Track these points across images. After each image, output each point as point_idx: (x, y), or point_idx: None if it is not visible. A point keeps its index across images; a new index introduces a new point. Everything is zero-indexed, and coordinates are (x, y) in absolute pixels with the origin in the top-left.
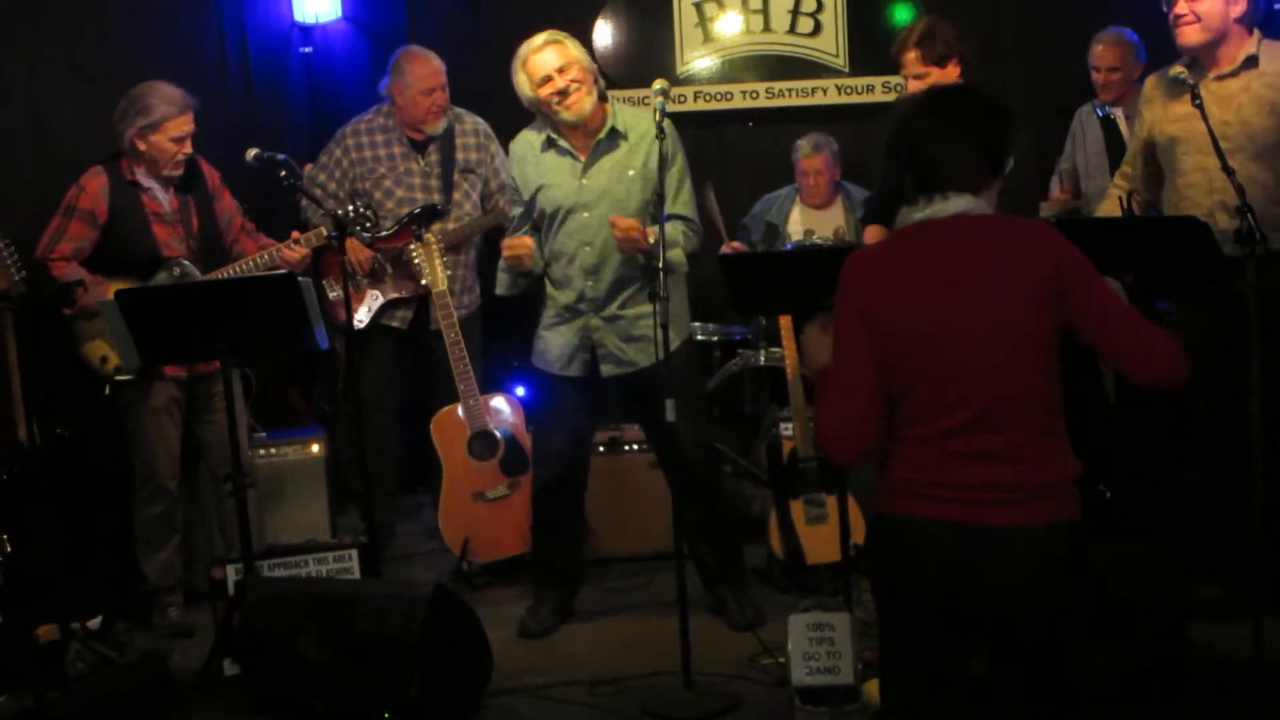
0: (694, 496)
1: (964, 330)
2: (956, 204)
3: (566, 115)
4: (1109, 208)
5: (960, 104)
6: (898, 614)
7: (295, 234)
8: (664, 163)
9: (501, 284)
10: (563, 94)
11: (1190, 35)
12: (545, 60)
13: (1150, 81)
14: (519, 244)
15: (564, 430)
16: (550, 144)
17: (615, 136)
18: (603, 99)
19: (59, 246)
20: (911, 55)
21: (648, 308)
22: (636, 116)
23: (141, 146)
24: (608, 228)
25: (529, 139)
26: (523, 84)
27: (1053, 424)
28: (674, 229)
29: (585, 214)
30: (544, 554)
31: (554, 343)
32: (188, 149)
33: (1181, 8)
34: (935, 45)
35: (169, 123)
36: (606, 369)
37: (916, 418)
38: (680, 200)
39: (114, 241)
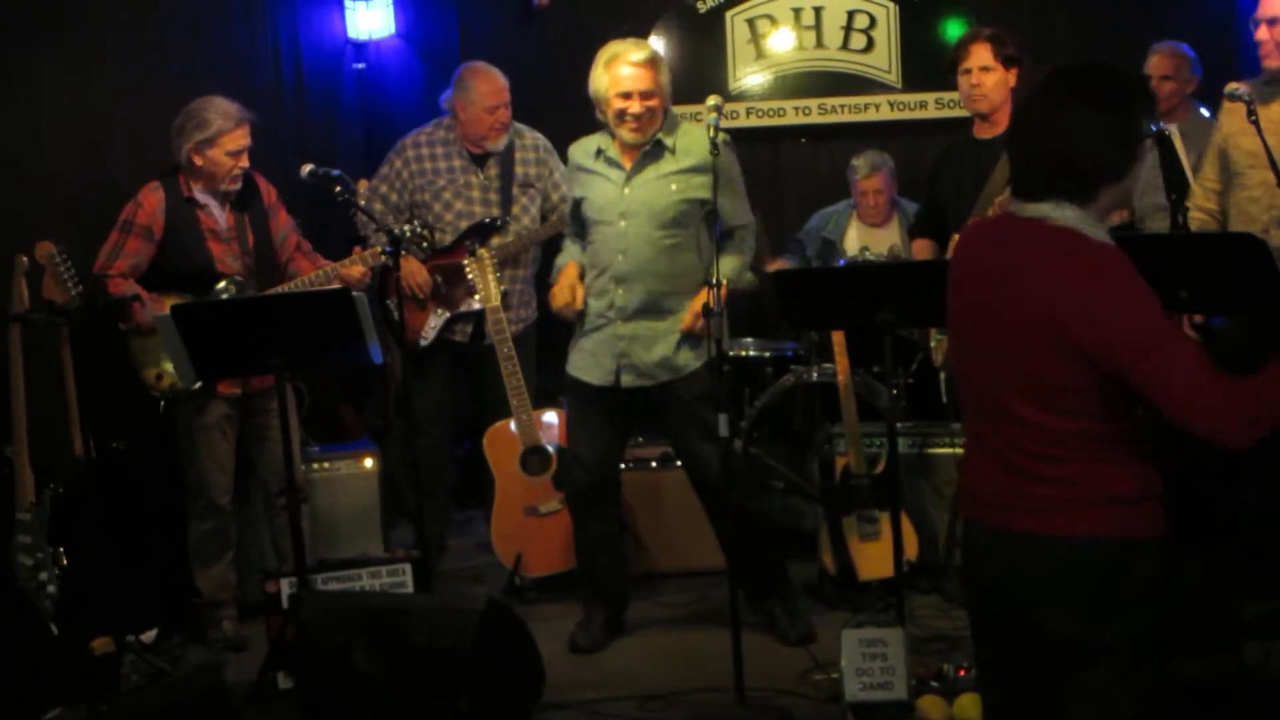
0: (723, 518)
1: (977, 345)
2: (1042, 208)
3: (628, 137)
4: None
5: (1068, 85)
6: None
7: (357, 250)
8: (718, 181)
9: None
10: (636, 117)
11: (1272, 59)
12: (635, 77)
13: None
14: (565, 298)
15: (592, 441)
16: (600, 153)
17: (660, 149)
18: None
19: (116, 263)
20: (984, 48)
21: (673, 322)
22: (691, 132)
23: (198, 161)
24: (643, 238)
25: (585, 146)
26: (600, 81)
27: (1077, 446)
28: (731, 255)
29: (623, 223)
30: (586, 567)
31: (584, 350)
32: (244, 163)
33: (1263, 34)
34: (1006, 45)
35: (225, 136)
36: (627, 380)
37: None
38: (738, 211)
39: (170, 258)
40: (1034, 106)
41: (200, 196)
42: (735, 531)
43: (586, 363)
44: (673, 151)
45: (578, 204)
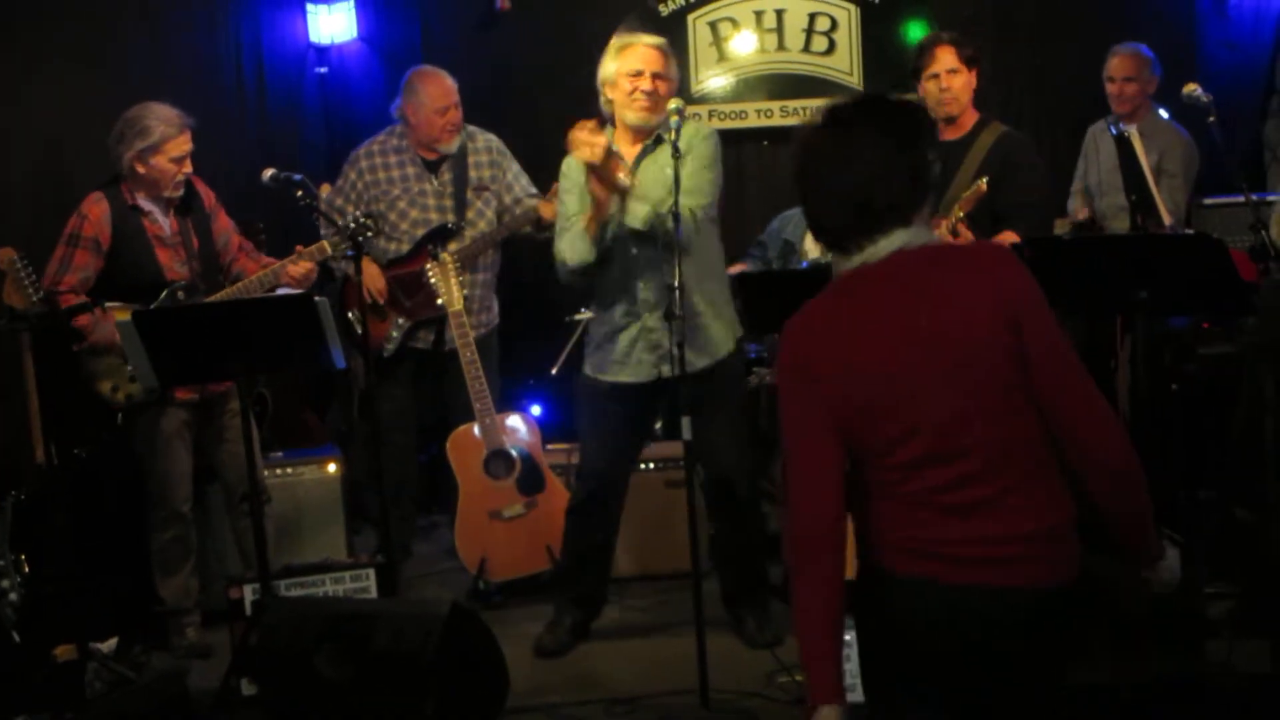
0: (728, 513)
1: (926, 380)
2: (892, 241)
3: (630, 115)
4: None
5: (870, 117)
6: (880, 675)
7: (299, 247)
8: (676, 152)
9: (576, 251)
10: (647, 94)
11: None
12: (648, 57)
13: None
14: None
15: (607, 446)
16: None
17: (659, 141)
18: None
19: (65, 278)
20: (948, 51)
21: (702, 306)
22: (685, 126)
23: (141, 170)
24: (652, 231)
25: (573, 162)
26: (608, 67)
27: (1035, 473)
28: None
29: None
30: (568, 570)
31: (612, 350)
32: (188, 169)
33: None
34: (967, 46)
35: (168, 143)
36: (667, 370)
37: (893, 477)
38: (691, 187)
39: (118, 267)
40: (837, 148)
41: (144, 204)
42: (734, 532)
43: (623, 363)
44: (667, 141)
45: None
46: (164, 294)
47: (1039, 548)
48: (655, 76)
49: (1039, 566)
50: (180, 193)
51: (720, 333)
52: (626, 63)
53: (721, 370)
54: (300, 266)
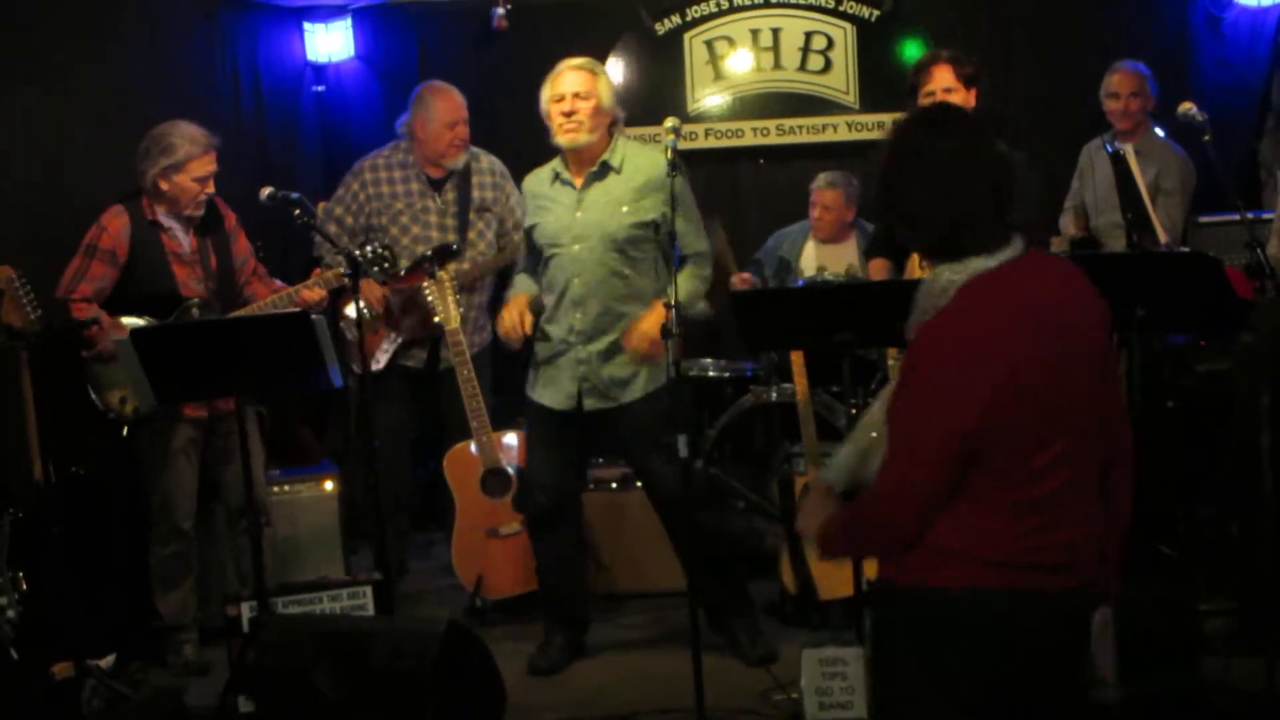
0: (681, 535)
1: (1078, 385)
2: (1017, 244)
3: (561, 139)
4: None
5: (977, 123)
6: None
7: (317, 271)
8: (676, 204)
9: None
10: (567, 115)
11: None
12: (569, 80)
13: None
14: (511, 323)
15: (551, 463)
16: (556, 177)
17: (605, 170)
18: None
19: (80, 287)
20: (945, 70)
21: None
22: (638, 152)
23: (164, 186)
24: (596, 260)
25: (539, 174)
26: (544, 94)
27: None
28: (688, 279)
29: (577, 246)
30: (546, 590)
31: (544, 374)
32: (210, 189)
33: None
34: (966, 65)
35: (192, 162)
36: (590, 403)
37: (1007, 483)
38: (690, 237)
39: (134, 281)
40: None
41: (164, 220)
42: (696, 550)
43: (548, 387)
44: (619, 171)
45: (530, 232)
46: (179, 312)
47: (1097, 553)
48: (576, 97)
49: (1094, 568)
50: (201, 212)
51: (645, 376)
52: (551, 90)
53: (646, 404)
54: (314, 292)
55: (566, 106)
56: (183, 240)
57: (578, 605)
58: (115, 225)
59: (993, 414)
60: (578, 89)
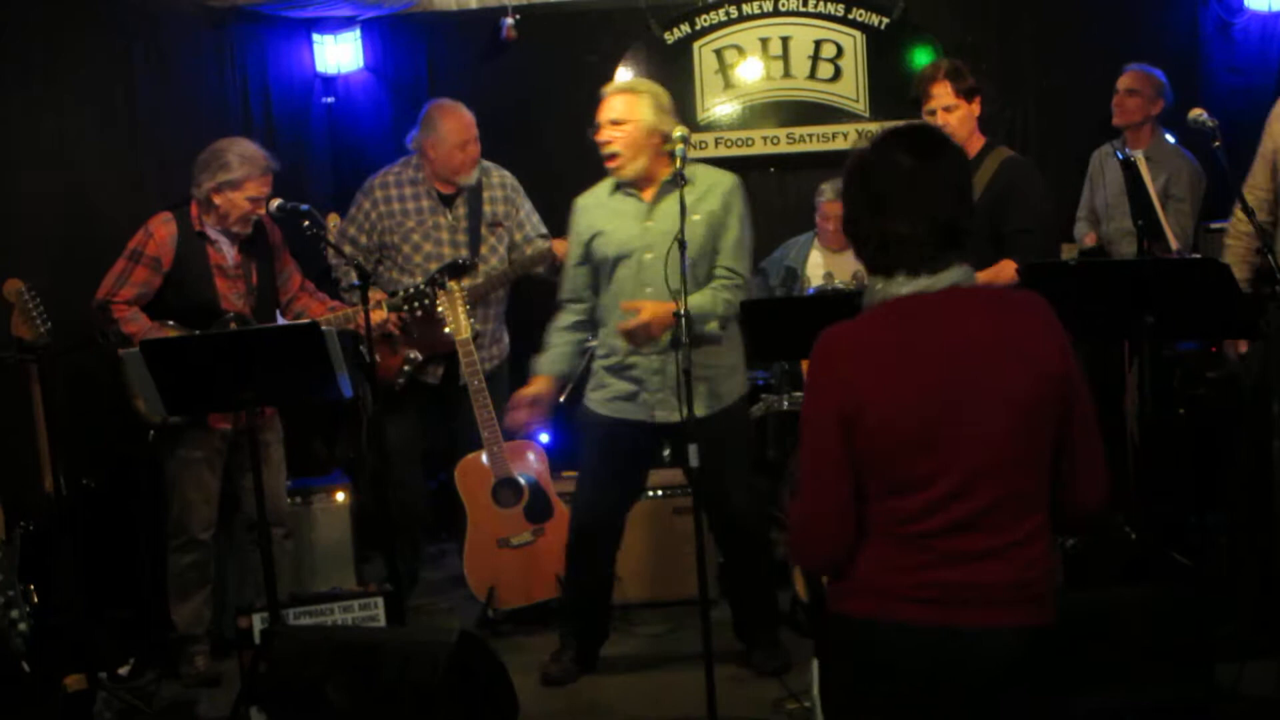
0: (738, 549)
1: (972, 423)
2: (951, 274)
3: (608, 166)
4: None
5: (949, 150)
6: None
7: (380, 295)
8: (681, 179)
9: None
10: (603, 144)
11: None
12: (607, 107)
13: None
14: (520, 415)
15: (603, 481)
16: (617, 186)
17: (679, 181)
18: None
19: (122, 291)
20: (944, 87)
21: (705, 354)
22: (707, 172)
23: (217, 200)
24: (663, 272)
25: (596, 191)
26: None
27: (1044, 522)
28: (705, 294)
29: (648, 255)
30: (570, 602)
31: (613, 387)
32: (261, 210)
33: None
34: (964, 79)
35: (249, 182)
36: (661, 415)
37: (903, 515)
38: (727, 255)
39: (175, 289)
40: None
41: (211, 232)
42: (745, 567)
43: (618, 400)
44: (692, 183)
45: (590, 244)
46: (217, 323)
47: (1031, 592)
48: (612, 125)
49: (1028, 610)
50: (249, 230)
51: (725, 387)
52: (599, 114)
53: (726, 417)
54: (376, 314)
55: (604, 137)
56: (227, 254)
57: (598, 620)
58: (162, 233)
59: (857, 442)
60: (615, 115)
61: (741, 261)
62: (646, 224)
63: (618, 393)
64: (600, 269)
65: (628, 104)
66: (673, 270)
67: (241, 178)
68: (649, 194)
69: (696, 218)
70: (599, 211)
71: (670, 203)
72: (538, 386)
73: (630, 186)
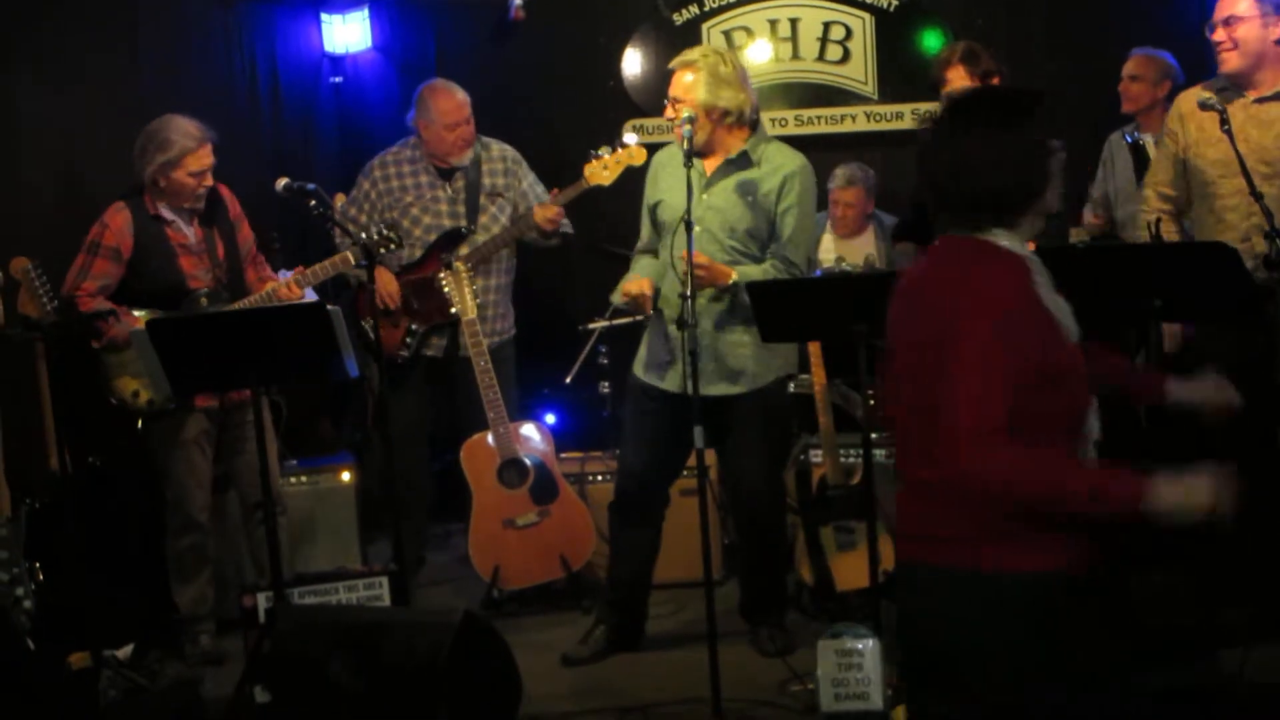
0: (752, 530)
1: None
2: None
3: (673, 138)
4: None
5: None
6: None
7: (300, 268)
8: (688, 161)
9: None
10: (670, 120)
11: (1230, 62)
12: (673, 82)
13: (1182, 100)
14: (638, 288)
15: (644, 450)
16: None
17: (745, 160)
18: (747, 125)
19: (84, 284)
20: (959, 71)
21: (742, 333)
22: (779, 152)
23: (161, 183)
24: (716, 245)
25: (672, 151)
26: None
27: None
28: (757, 272)
29: (697, 228)
30: (611, 574)
31: (659, 354)
32: (208, 182)
33: (1220, 35)
34: (980, 62)
35: (188, 157)
36: (705, 388)
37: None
38: (785, 239)
39: (140, 275)
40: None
41: (166, 213)
42: (758, 552)
43: (661, 367)
44: (757, 164)
45: (655, 208)
46: (186, 303)
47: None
48: (674, 102)
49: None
50: (201, 205)
51: (761, 365)
52: (669, 89)
53: (757, 398)
54: (295, 291)
55: (669, 113)
56: (187, 232)
57: (636, 595)
58: (118, 221)
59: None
60: (674, 92)
61: (799, 251)
62: (702, 196)
63: (661, 361)
64: (661, 232)
65: (685, 82)
66: (720, 250)
67: (178, 155)
68: (710, 165)
69: (751, 198)
70: (665, 176)
71: (729, 180)
72: (640, 278)
73: (697, 154)
